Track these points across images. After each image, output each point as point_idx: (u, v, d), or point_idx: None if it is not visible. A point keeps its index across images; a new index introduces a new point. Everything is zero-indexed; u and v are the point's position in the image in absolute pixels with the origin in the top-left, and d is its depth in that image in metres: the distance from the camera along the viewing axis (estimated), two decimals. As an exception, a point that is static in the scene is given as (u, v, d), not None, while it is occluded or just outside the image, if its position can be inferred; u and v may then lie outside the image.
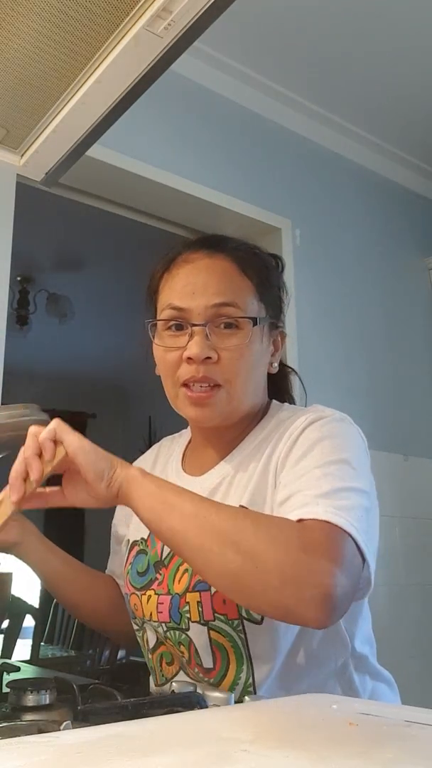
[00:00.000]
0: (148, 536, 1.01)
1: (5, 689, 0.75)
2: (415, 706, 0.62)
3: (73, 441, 0.81)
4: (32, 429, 0.83)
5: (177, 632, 0.90)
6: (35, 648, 3.10)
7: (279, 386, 1.07)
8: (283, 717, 0.58)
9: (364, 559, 0.79)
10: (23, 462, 0.81)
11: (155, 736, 0.50)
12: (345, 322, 2.75)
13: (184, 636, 0.89)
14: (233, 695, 0.72)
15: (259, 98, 2.65)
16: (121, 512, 1.15)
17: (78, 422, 6.05)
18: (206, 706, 0.68)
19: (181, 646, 0.90)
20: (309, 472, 0.84)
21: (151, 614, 0.94)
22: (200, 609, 0.88)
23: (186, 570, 0.91)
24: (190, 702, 0.69)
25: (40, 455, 0.81)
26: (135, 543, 1.04)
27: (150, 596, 0.94)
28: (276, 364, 1.00)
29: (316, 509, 0.78)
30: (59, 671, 1.15)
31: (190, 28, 0.82)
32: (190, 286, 0.93)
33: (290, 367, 1.11)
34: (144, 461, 1.15)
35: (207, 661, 0.88)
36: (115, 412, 6.21)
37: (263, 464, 0.93)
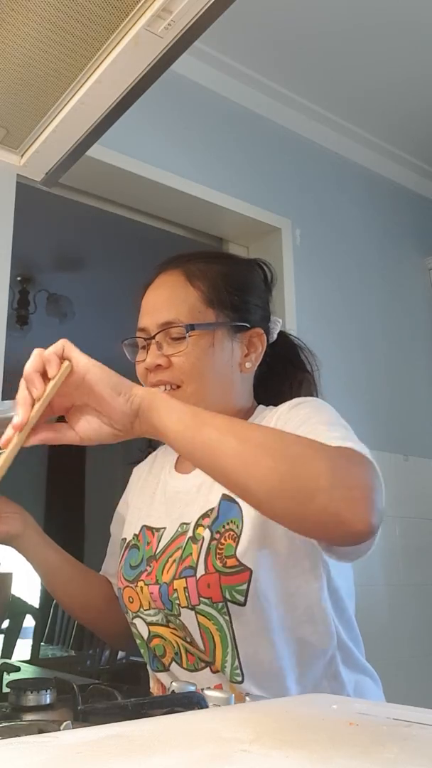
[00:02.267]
0: (140, 531, 1.04)
1: (5, 689, 0.75)
2: (414, 706, 0.62)
3: (82, 357, 0.77)
4: (37, 349, 0.78)
5: (173, 617, 0.93)
6: (35, 648, 3.10)
7: (301, 392, 1.08)
8: (283, 717, 0.58)
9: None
10: (25, 382, 0.76)
11: (155, 736, 0.50)
12: (345, 322, 2.75)
13: (179, 621, 0.92)
14: (233, 696, 0.72)
15: (259, 98, 2.64)
16: (118, 511, 1.18)
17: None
18: (206, 706, 0.68)
19: (182, 631, 0.93)
20: (314, 428, 0.85)
21: (149, 604, 0.96)
22: (187, 594, 0.90)
23: (174, 561, 0.94)
24: (190, 702, 0.69)
25: (44, 374, 0.76)
26: (128, 541, 1.07)
27: (142, 587, 0.97)
28: (249, 365, 1.04)
29: (337, 442, 0.79)
30: (59, 671, 1.15)
31: (190, 28, 0.82)
32: (146, 306, 1.04)
33: (309, 373, 1.12)
34: (143, 463, 1.19)
35: (200, 644, 0.91)
36: (115, 412, 6.20)
37: None
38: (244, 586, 0.88)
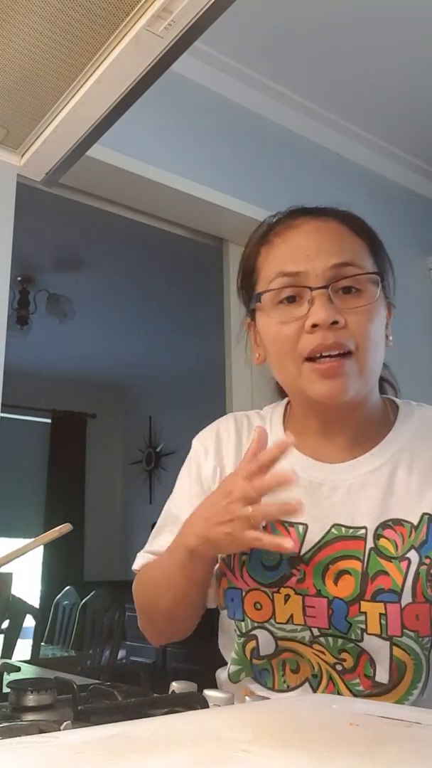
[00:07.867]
0: (268, 523, 0.85)
1: (5, 689, 0.74)
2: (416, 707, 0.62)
3: None
4: None
5: (341, 640, 0.80)
6: (35, 648, 3.10)
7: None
8: (283, 717, 0.58)
9: None
10: None
11: (155, 736, 0.50)
12: (345, 322, 2.75)
13: (352, 645, 0.80)
14: (233, 696, 0.71)
15: (260, 98, 2.65)
16: (189, 488, 0.95)
17: (78, 422, 6.08)
18: (206, 706, 0.68)
19: (344, 654, 0.81)
20: None
21: (291, 617, 0.82)
22: (383, 622, 0.78)
23: (346, 571, 0.80)
24: (190, 702, 0.69)
25: None
26: None
27: (289, 595, 0.82)
28: (391, 338, 0.89)
29: None
30: (59, 671, 1.15)
31: (190, 28, 0.82)
32: (302, 249, 0.85)
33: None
34: (221, 427, 0.97)
35: (381, 676, 0.79)
36: (115, 412, 6.21)
37: None
38: None
